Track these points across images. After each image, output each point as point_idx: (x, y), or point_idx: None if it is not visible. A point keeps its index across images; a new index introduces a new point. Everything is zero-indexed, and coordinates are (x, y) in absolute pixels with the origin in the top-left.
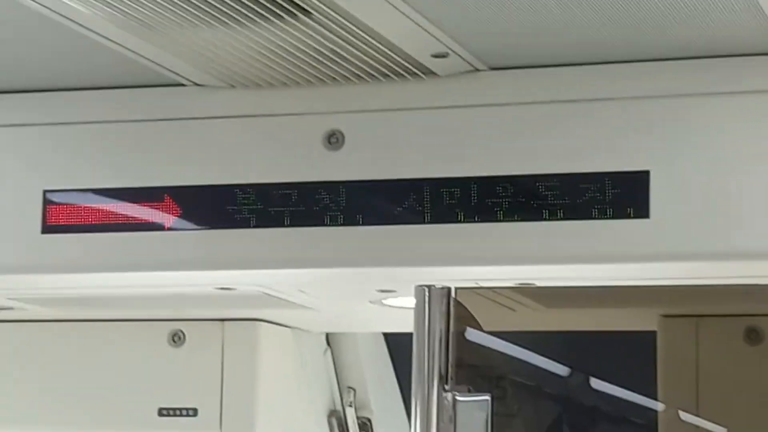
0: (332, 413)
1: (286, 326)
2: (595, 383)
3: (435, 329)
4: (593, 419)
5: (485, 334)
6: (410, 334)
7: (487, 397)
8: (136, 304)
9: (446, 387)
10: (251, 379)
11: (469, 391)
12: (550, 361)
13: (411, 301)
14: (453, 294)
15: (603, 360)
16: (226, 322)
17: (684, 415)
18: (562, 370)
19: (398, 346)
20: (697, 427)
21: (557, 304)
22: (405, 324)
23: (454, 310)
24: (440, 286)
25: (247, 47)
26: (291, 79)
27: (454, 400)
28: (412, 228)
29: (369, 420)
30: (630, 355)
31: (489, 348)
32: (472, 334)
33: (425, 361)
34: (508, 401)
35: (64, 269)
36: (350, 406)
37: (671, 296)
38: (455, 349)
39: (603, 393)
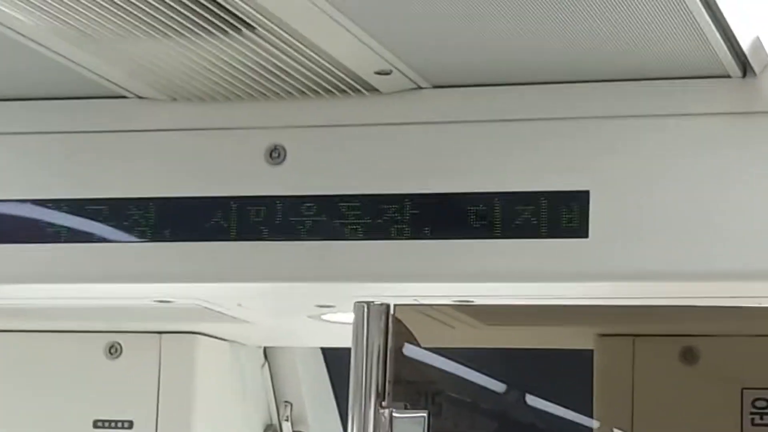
0: (268, 427)
1: (223, 339)
2: (532, 400)
3: (373, 345)
4: None
5: (423, 351)
6: (348, 349)
7: (424, 414)
8: (73, 316)
9: (383, 404)
10: (188, 392)
11: (406, 407)
12: (488, 378)
13: (349, 317)
14: (392, 311)
15: (540, 378)
16: (163, 335)
17: None
18: (498, 386)
19: (335, 360)
20: None
21: (496, 321)
22: (343, 339)
23: (392, 327)
24: (379, 303)
25: (189, 60)
26: (234, 93)
27: (391, 417)
28: (352, 244)
29: None
30: (567, 373)
31: (426, 364)
32: (409, 350)
33: (362, 377)
34: (443, 417)
35: (3, 280)
36: (287, 420)
37: (608, 315)
38: (393, 365)
39: (539, 410)
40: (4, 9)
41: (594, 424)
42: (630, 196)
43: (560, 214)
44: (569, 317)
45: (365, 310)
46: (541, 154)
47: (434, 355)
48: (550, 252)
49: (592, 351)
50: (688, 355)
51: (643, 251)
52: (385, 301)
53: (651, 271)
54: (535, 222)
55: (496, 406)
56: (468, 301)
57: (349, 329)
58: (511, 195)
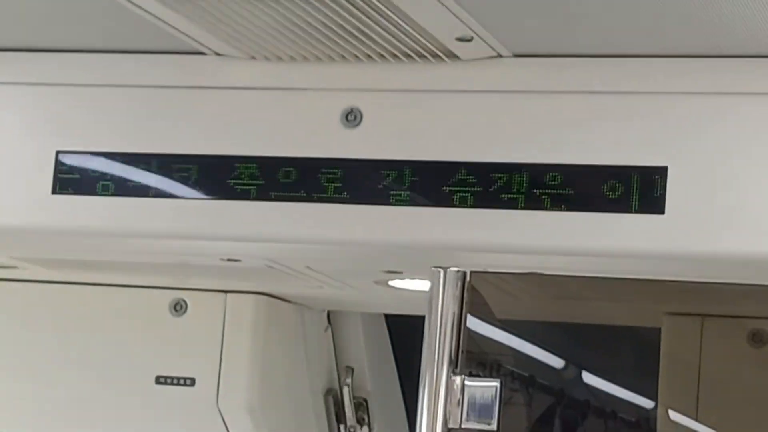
0: (329, 392)
1: (288, 301)
2: (595, 379)
3: (448, 312)
4: (591, 413)
5: (491, 321)
6: (411, 317)
7: (496, 383)
8: (141, 271)
9: (455, 371)
10: (251, 352)
11: (471, 375)
12: (552, 354)
13: (416, 284)
14: (468, 278)
15: (607, 353)
16: (228, 294)
17: (682, 415)
18: (562, 362)
19: (398, 327)
20: (695, 429)
21: (563, 294)
22: (408, 306)
23: (467, 294)
24: (455, 269)
25: (271, 19)
26: (312, 54)
27: (463, 385)
28: (424, 210)
29: (365, 400)
30: (634, 350)
31: (494, 335)
32: (475, 320)
33: (436, 343)
34: (507, 389)
35: (72, 231)
36: (347, 385)
37: (678, 293)
38: (466, 333)
39: (602, 388)
40: None
41: (658, 403)
42: (709, 174)
43: (637, 190)
44: (638, 293)
45: (442, 276)
46: (620, 128)
47: (501, 326)
48: (624, 227)
49: (659, 329)
50: (756, 338)
51: (719, 230)
52: (458, 268)
53: (726, 251)
54: (610, 196)
55: (558, 381)
56: (538, 273)
57: (415, 296)
58: (587, 168)
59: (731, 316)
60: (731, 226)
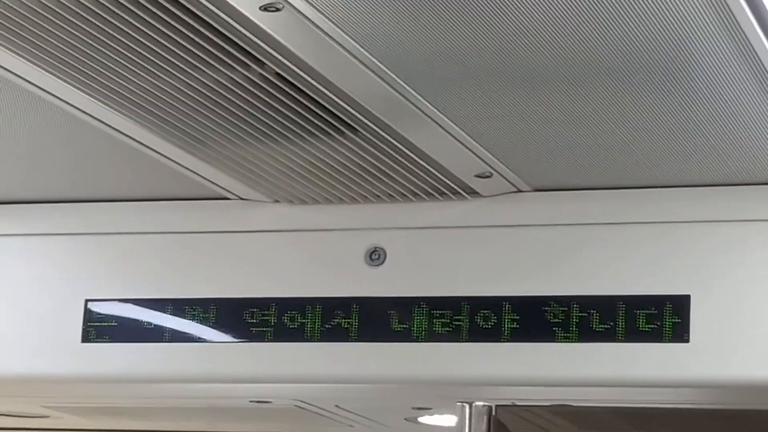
0: None
1: None
2: None
3: None
4: None
5: None
6: None
7: None
8: (171, 416)
9: None
10: None
11: None
12: None
13: (446, 419)
14: (493, 412)
15: None
16: None
17: None
18: None
19: None
20: None
21: (592, 425)
22: None
23: (493, 428)
24: (482, 404)
25: (293, 163)
26: (335, 195)
27: None
28: (451, 346)
29: None
30: None
31: None
32: None
33: None
34: None
35: (103, 379)
36: None
37: (706, 420)
38: None
39: None
40: (113, 112)
41: None
42: (732, 302)
43: (660, 319)
44: (667, 422)
45: (468, 411)
46: (641, 258)
47: None
48: (649, 356)
49: None
50: None
51: (745, 357)
52: (484, 402)
53: (752, 378)
54: (634, 326)
55: None
56: (566, 405)
57: None
58: (611, 299)
59: None
60: (756, 353)
